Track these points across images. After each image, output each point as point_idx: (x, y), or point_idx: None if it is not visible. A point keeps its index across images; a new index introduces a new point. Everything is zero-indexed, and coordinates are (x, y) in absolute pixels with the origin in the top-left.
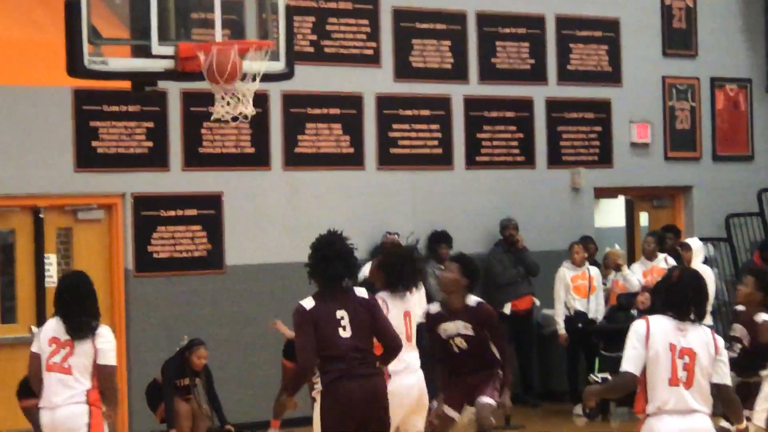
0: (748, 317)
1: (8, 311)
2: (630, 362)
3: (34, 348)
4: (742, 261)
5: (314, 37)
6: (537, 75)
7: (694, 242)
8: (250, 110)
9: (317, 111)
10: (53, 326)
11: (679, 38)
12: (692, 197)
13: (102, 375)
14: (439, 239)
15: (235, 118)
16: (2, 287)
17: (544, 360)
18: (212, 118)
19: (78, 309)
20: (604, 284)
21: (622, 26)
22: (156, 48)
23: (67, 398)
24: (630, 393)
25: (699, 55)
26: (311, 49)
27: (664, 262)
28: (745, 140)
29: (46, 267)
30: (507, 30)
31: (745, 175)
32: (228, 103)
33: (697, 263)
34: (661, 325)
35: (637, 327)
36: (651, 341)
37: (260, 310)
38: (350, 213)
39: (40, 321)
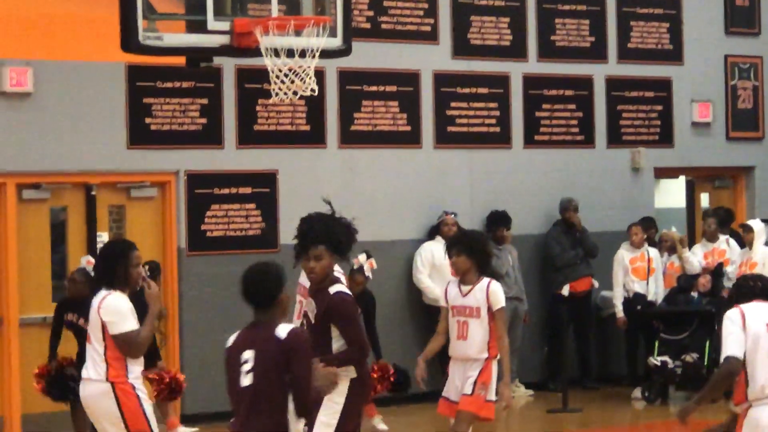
0: None
1: (58, 289)
2: (733, 346)
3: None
4: None
5: (371, 14)
6: (597, 53)
7: (756, 224)
8: (312, 87)
9: (374, 88)
10: None
11: (741, 16)
12: (754, 178)
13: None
14: (498, 220)
15: (295, 93)
16: (54, 265)
17: (603, 343)
18: (272, 99)
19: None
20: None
21: (684, 3)
22: (211, 23)
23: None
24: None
25: (762, 33)
26: (368, 26)
27: (725, 243)
28: None
29: (98, 245)
30: (567, 7)
31: None
32: (283, 82)
33: (759, 245)
34: (755, 310)
35: (732, 314)
36: (748, 325)
37: None
38: (406, 191)
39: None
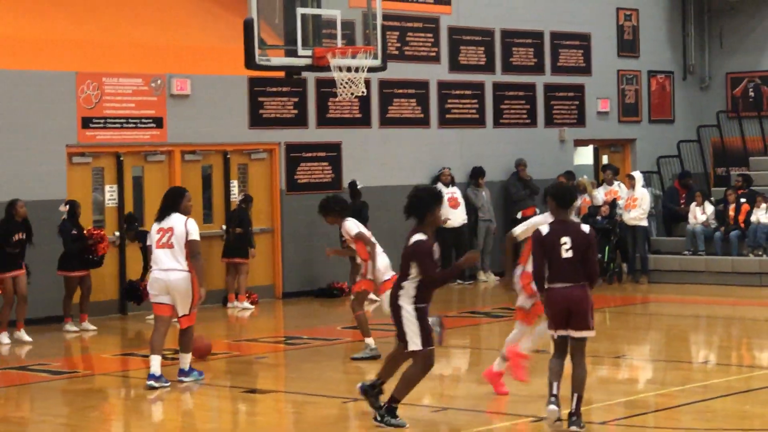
0: None
1: (207, 216)
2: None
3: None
4: (666, 186)
5: (399, 44)
6: (539, 68)
7: (636, 174)
8: (363, 90)
9: (400, 91)
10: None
11: (627, 45)
12: (635, 145)
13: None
14: (477, 173)
15: (352, 94)
16: (204, 201)
17: None
18: (338, 98)
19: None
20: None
21: (592, 37)
22: (300, 51)
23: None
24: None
25: (640, 56)
26: (396, 52)
27: (617, 186)
28: (669, 110)
29: (231, 188)
30: (520, 40)
31: (669, 131)
32: (344, 87)
33: (638, 187)
34: None
35: None
36: None
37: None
38: (420, 154)
39: (227, 219)
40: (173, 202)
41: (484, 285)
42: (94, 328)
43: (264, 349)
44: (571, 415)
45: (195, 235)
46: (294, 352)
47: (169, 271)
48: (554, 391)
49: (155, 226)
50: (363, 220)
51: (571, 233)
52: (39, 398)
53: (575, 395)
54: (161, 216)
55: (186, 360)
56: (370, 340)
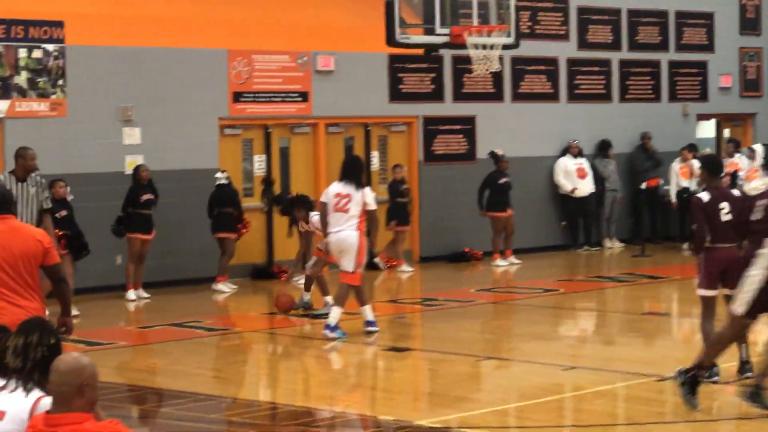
0: None
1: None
2: None
3: (322, 198)
4: None
5: (530, 23)
6: (663, 46)
7: (757, 147)
8: (497, 66)
9: (532, 67)
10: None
11: (749, 23)
12: (756, 120)
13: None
14: (604, 145)
15: (487, 70)
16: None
17: (665, 216)
18: (473, 73)
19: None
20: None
21: (715, 16)
22: (438, 29)
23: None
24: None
25: (762, 33)
26: (528, 30)
27: (738, 158)
28: None
29: (372, 159)
30: (647, 19)
31: None
32: (479, 64)
33: (758, 159)
34: None
35: None
36: None
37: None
38: (550, 128)
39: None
40: (353, 170)
41: (609, 252)
42: (234, 287)
43: (403, 310)
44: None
45: (373, 205)
46: (430, 313)
47: (340, 231)
48: (744, 357)
49: (333, 190)
50: (498, 190)
51: (728, 198)
52: (195, 352)
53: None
54: (342, 181)
55: (366, 312)
56: (329, 298)
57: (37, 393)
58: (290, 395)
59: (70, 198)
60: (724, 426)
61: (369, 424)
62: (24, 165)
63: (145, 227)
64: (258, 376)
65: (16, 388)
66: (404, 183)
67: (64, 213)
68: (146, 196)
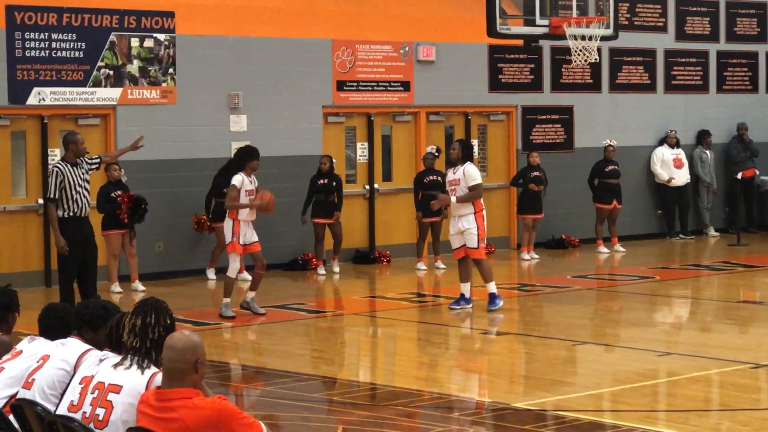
0: None
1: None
2: None
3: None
4: None
5: (629, 15)
6: (763, 37)
7: None
8: (595, 57)
9: (629, 58)
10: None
11: None
12: None
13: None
14: (702, 135)
15: (586, 61)
16: (447, 158)
17: (762, 206)
18: (572, 64)
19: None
20: None
21: None
22: (538, 21)
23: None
24: None
25: None
26: (627, 22)
27: None
28: None
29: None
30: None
31: None
32: (578, 54)
33: None
34: None
35: None
36: None
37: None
38: (647, 118)
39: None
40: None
41: (713, 240)
42: (337, 270)
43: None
44: None
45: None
46: (526, 297)
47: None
48: None
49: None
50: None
51: None
52: (299, 333)
53: None
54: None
55: (491, 288)
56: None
57: (152, 369)
58: (389, 376)
59: (124, 179)
60: None
61: (467, 405)
62: (75, 150)
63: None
64: (358, 357)
65: (131, 365)
66: (537, 169)
67: (118, 193)
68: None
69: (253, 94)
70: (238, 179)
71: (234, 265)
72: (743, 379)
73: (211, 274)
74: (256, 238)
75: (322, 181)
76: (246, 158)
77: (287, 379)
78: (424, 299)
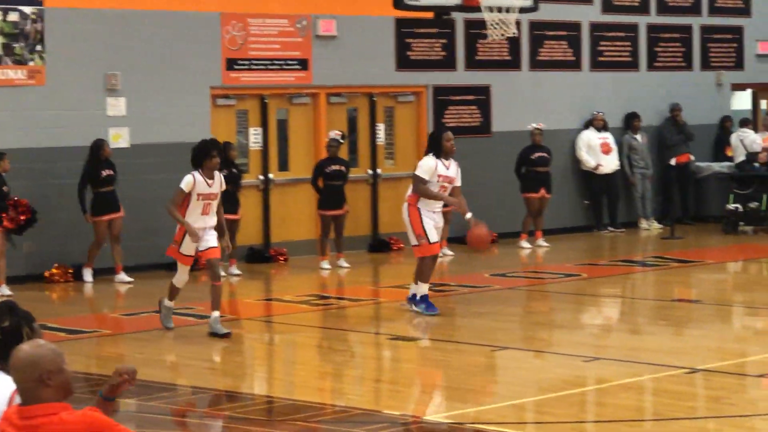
0: None
1: (353, 160)
2: None
3: None
4: None
5: None
6: (695, 10)
7: None
8: (513, 31)
9: (552, 32)
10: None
11: None
12: None
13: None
14: (632, 117)
15: (502, 35)
16: (350, 143)
17: (696, 195)
18: (488, 39)
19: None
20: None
21: None
22: None
23: None
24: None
25: None
26: None
27: None
28: None
29: (377, 132)
30: None
31: None
32: (494, 28)
33: None
34: None
35: None
36: None
37: (513, 156)
38: (569, 98)
39: (372, 163)
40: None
41: (645, 233)
42: (235, 272)
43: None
44: None
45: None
46: (440, 299)
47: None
48: None
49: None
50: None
51: None
52: (187, 341)
53: None
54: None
55: (417, 289)
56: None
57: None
58: (288, 388)
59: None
60: (759, 422)
61: (375, 419)
62: None
63: (109, 208)
64: (254, 368)
65: None
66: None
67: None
68: (106, 172)
69: (133, 75)
70: (187, 181)
71: (180, 277)
72: (678, 386)
73: (87, 275)
74: (213, 243)
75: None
76: (200, 156)
77: (172, 392)
78: (327, 302)
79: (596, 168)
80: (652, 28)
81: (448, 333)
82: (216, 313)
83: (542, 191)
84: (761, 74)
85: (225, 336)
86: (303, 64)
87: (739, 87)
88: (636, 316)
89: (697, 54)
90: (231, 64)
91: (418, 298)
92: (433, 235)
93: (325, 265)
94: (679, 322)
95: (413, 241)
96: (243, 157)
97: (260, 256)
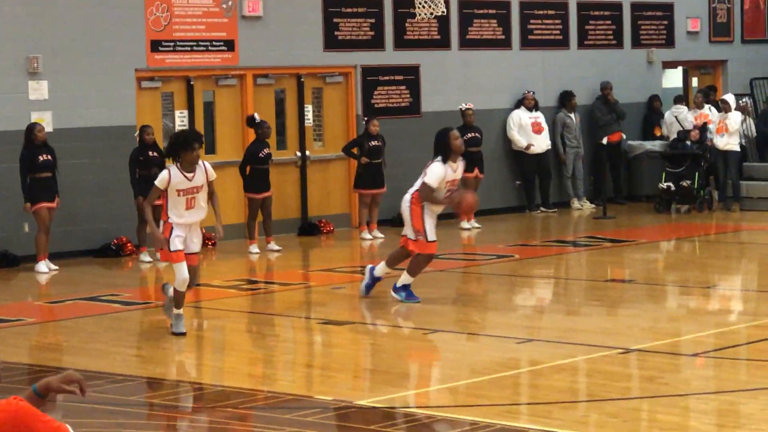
0: None
1: (281, 142)
2: None
3: None
4: (760, 109)
5: None
6: None
7: (729, 97)
8: (443, 10)
9: (482, 11)
10: None
11: None
12: (728, 67)
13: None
14: (566, 96)
15: (431, 14)
16: (277, 126)
17: (629, 174)
18: (416, 18)
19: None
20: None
21: None
22: None
23: None
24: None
25: None
26: None
27: (708, 110)
28: (763, 29)
29: (305, 113)
30: None
31: (763, 51)
32: (423, 7)
33: (731, 111)
34: None
35: None
36: None
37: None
38: (499, 77)
39: (300, 146)
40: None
41: (578, 213)
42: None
43: (340, 280)
44: None
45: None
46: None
47: None
48: None
49: None
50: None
51: None
52: (113, 328)
53: None
54: None
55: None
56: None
57: None
58: (218, 374)
59: None
60: (693, 401)
61: (306, 405)
62: None
63: (48, 196)
64: (182, 354)
65: None
66: (377, 138)
67: None
68: (44, 157)
69: (55, 57)
70: (161, 177)
71: (178, 276)
72: (612, 366)
73: (42, 267)
74: (195, 249)
75: (152, 154)
76: (178, 149)
77: (100, 380)
78: (255, 287)
79: (527, 148)
80: (582, 6)
81: (380, 316)
82: (179, 311)
83: (475, 171)
84: (692, 52)
85: (180, 335)
86: (229, 45)
87: (670, 65)
88: (569, 297)
89: (627, 32)
90: (155, 45)
91: (398, 285)
92: (432, 234)
93: (254, 249)
94: (612, 303)
95: (410, 235)
96: (168, 140)
97: None
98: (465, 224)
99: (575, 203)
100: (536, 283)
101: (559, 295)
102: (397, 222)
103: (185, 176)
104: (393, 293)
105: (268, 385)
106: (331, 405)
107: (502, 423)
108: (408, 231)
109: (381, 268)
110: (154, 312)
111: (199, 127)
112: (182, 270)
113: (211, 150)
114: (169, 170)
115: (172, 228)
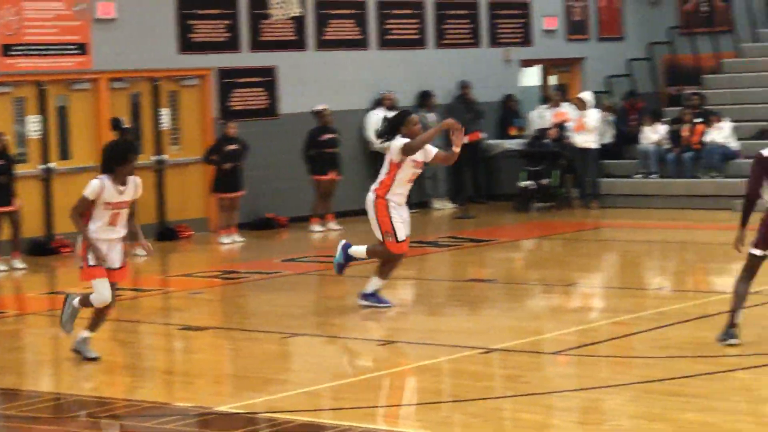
0: None
1: (138, 145)
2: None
3: None
4: (616, 104)
5: None
6: None
7: (586, 95)
8: (299, 10)
9: (338, 11)
10: None
11: None
12: (585, 65)
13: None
14: (425, 96)
15: (287, 15)
16: (134, 130)
17: (488, 174)
18: (272, 18)
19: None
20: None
21: None
22: None
23: None
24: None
25: None
26: None
27: (566, 108)
28: (619, 26)
29: (161, 117)
30: None
31: (619, 49)
32: (279, 7)
33: (589, 109)
34: None
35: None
36: None
37: (301, 138)
38: (358, 78)
39: (157, 150)
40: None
41: (438, 213)
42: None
43: (200, 285)
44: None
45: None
46: (229, 286)
47: None
48: (737, 320)
49: None
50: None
51: None
52: None
53: None
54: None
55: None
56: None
57: None
58: (75, 383)
59: None
60: (555, 399)
61: (166, 412)
62: None
63: None
64: (39, 364)
65: None
66: (235, 141)
67: None
68: None
69: None
70: (92, 187)
71: (96, 294)
72: (474, 366)
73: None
74: (118, 265)
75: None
76: (113, 160)
77: None
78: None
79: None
80: (439, 5)
81: (239, 321)
82: (87, 333)
83: (332, 173)
84: (549, 50)
85: (93, 359)
86: (82, 48)
87: (528, 63)
88: (431, 298)
89: (485, 30)
90: (6, 49)
91: (368, 291)
92: (401, 233)
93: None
94: (474, 302)
95: (378, 236)
96: (21, 146)
97: (43, 249)
98: (316, 227)
99: (436, 203)
100: (398, 284)
101: (421, 295)
102: (258, 225)
103: (117, 189)
104: (362, 300)
105: (127, 393)
106: (191, 411)
107: (364, 426)
108: (376, 232)
109: (376, 283)
110: (9, 321)
111: (53, 132)
112: (104, 288)
113: (65, 156)
114: (102, 180)
115: (88, 246)
